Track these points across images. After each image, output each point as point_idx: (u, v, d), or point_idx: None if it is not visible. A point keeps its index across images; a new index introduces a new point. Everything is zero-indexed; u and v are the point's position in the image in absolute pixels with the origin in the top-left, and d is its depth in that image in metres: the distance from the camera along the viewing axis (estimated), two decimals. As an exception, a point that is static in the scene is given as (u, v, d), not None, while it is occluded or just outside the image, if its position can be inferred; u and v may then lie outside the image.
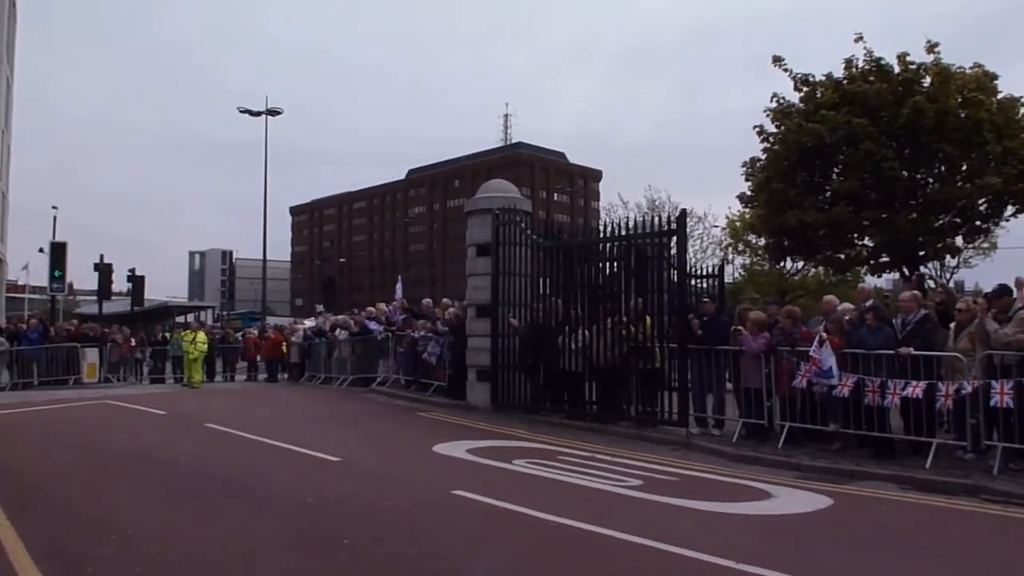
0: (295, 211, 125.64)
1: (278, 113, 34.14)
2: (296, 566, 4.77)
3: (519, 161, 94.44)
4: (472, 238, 13.68)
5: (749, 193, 25.55)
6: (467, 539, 5.39)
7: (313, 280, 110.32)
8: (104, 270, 26.33)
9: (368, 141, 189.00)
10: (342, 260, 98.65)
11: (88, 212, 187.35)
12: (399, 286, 20.42)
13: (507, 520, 5.87)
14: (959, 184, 21.80)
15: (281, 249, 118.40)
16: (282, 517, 5.95)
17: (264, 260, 36.32)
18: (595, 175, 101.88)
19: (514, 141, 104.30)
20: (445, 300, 16.89)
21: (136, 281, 28.40)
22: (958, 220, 22.87)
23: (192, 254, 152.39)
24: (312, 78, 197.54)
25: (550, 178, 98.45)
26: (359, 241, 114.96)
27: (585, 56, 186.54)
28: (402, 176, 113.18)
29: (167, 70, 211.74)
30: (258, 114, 33.69)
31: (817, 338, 9.06)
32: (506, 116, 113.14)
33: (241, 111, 33.66)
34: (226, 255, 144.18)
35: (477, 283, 13.44)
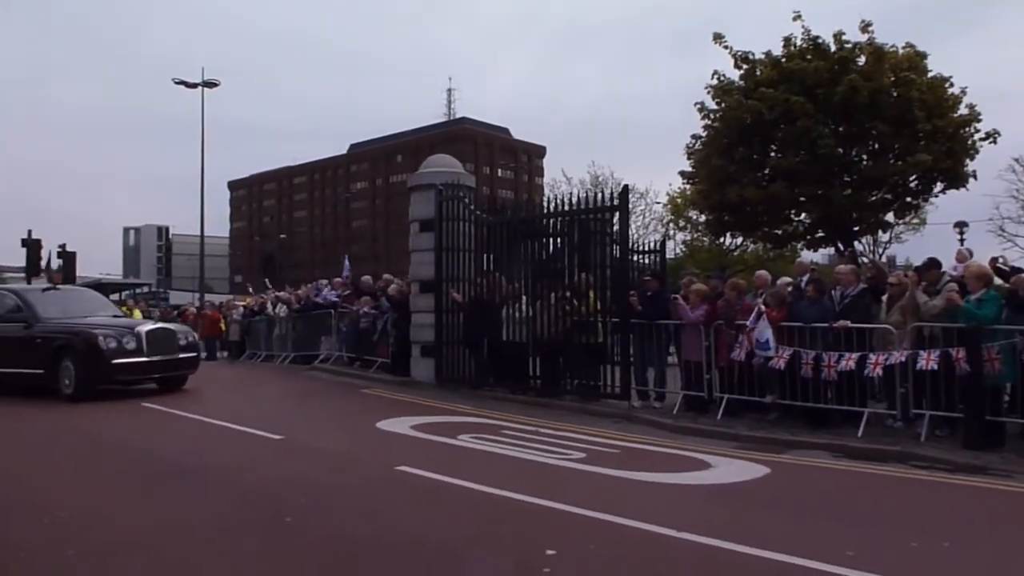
0: (233, 186, 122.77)
1: (215, 85, 33.24)
2: (236, 547, 4.69)
3: (463, 136, 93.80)
4: (415, 214, 13.57)
5: (690, 169, 25.89)
6: (413, 515, 5.38)
7: (253, 257, 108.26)
8: (32, 246, 25.28)
9: (309, 115, 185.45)
10: (282, 236, 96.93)
11: (12, 186, 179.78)
12: (347, 264, 20.15)
13: (452, 495, 5.88)
14: (891, 161, 22.44)
15: (219, 225, 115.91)
16: (221, 497, 5.86)
17: (202, 236, 35.51)
18: (539, 151, 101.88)
19: (458, 116, 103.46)
20: (386, 276, 16.75)
21: (67, 257, 27.37)
22: (890, 196, 23.56)
23: (126, 230, 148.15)
24: (250, 50, 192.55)
25: (494, 154, 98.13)
26: (300, 217, 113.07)
27: (526, 31, 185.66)
28: (344, 151, 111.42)
29: (95, 37, 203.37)
30: (194, 86, 32.76)
31: (755, 311, 9.25)
32: (449, 91, 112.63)
33: (176, 82, 32.65)
34: (162, 231, 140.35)
35: (420, 259, 13.36)
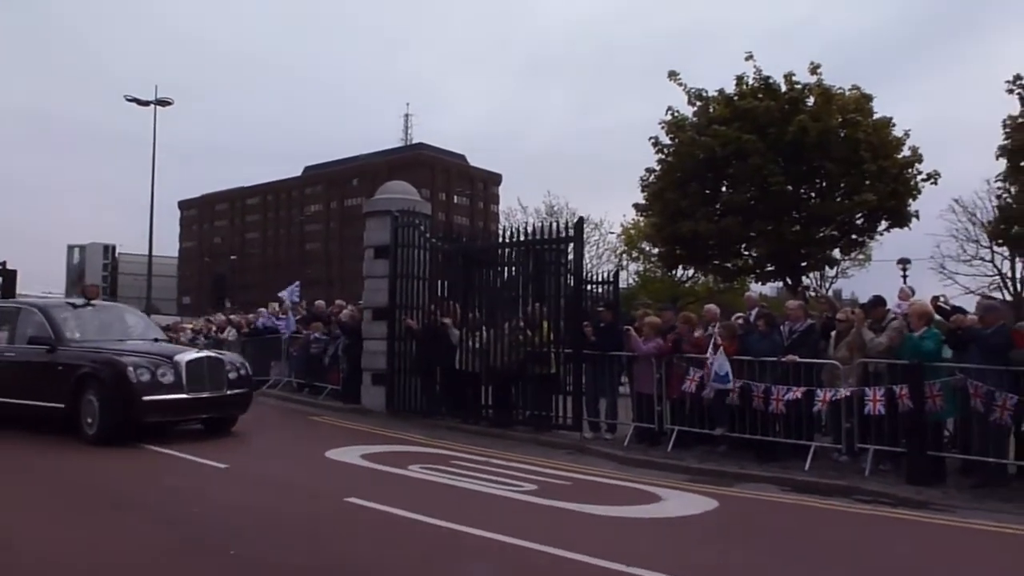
0: (184, 205, 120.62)
1: (168, 104, 32.67)
2: (185, 573, 4.55)
3: (420, 162, 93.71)
4: (370, 240, 13.49)
5: (644, 202, 26.29)
6: (362, 549, 5.29)
7: (202, 278, 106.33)
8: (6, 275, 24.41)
9: (263, 136, 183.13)
10: (233, 258, 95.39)
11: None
12: (295, 290, 19.50)
13: (402, 528, 5.80)
14: (839, 200, 23.08)
15: (168, 245, 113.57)
16: (166, 526, 5.69)
17: (150, 255, 34.75)
18: (495, 179, 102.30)
19: (415, 142, 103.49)
20: (339, 301, 16.58)
21: (7, 275, 26.52)
22: (837, 233, 24.23)
23: (71, 247, 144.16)
24: (206, 70, 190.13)
25: (451, 180, 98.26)
26: (252, 238, 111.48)
27: (487, 61, 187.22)
28: (298, 173, 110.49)
29: (41, 46, 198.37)
30: (147, 103, 32.17)
31: (712, 343, 9.36)
32: (407, 116, 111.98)
33: (128, 99, 32.07)
34: (108, 249, 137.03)
35: (374, 285, 13.26)
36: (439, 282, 12.90)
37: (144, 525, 5.78)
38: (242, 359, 11.15)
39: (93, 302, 11.36)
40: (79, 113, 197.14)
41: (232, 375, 10.12)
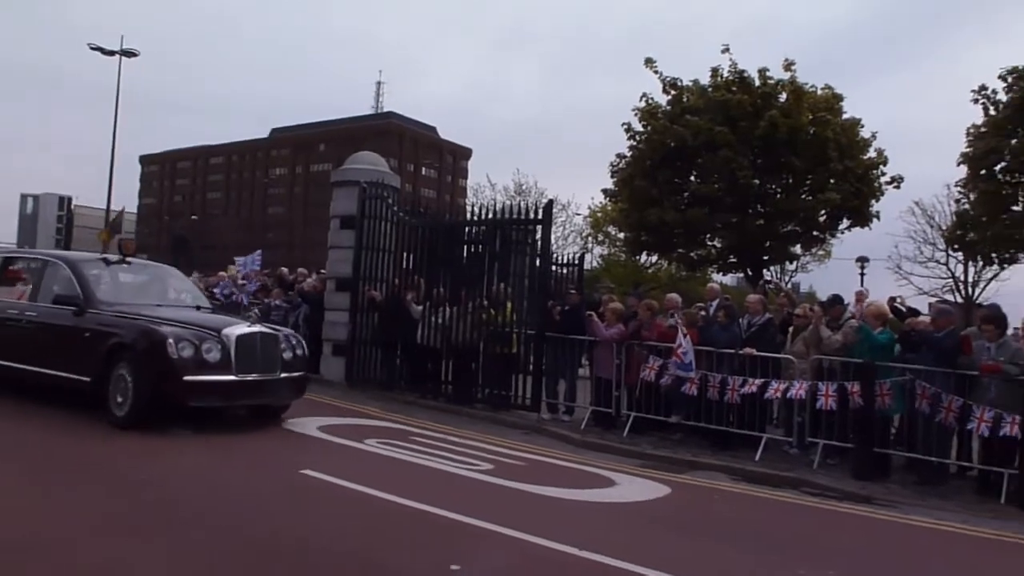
0: (145, 161, 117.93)
1: (134, 55, 31.89)
2: (129, 550, 4.49)
3: (389, 130, 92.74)
4: (336, 209, 13.36)
5: (613, 188, 26.41)
6: (315, 521, 5.28)
7: (162, 236, 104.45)
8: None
9: (230, 95, 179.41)
10: (194, 217, 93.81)
11: None
12: (257, 258, 19.15)
13: (357, 502, 5.81)
14: (804, 196, 23.49)
15: (128, 200, 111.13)
16: (114, 495, 5.60)
17: (107, 210, 34.00)
18: (464, 152, 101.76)
19: (385, 110, 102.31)
20: (301, 270, 16.43)
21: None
22: (799, 229, 24.63)
23: (24, 197, 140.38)
24: (174, 22, 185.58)
25: (419, 151, 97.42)
26: (214, 198, 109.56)
27: (462, 32, 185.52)
28: (265, 134, 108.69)
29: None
30: (111, 53, 31.37)
31: (680, 331, 9.47)
32: (379, 84, 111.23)
33: (93, 48, 31.22)
34: (63, 201, 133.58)
35: (339, 256, 13.15)
36: (405, 256, 12.84)
37: (91, 492, 5.67)
38: (298, 336, 9.42)
39: (129, 259, 9.70)
40: (32, 58, 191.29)
41: (287, 354, 8.63)
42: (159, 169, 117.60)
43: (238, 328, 8.33)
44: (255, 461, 7.10)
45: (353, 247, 12.82)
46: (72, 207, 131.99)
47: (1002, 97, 21.71)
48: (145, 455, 6.86)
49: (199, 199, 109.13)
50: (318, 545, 4.75)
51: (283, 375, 8.53)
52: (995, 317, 8.32)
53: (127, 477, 6.11)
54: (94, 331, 8.10)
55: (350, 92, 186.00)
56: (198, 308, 9.31)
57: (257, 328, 8.59)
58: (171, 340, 7.69)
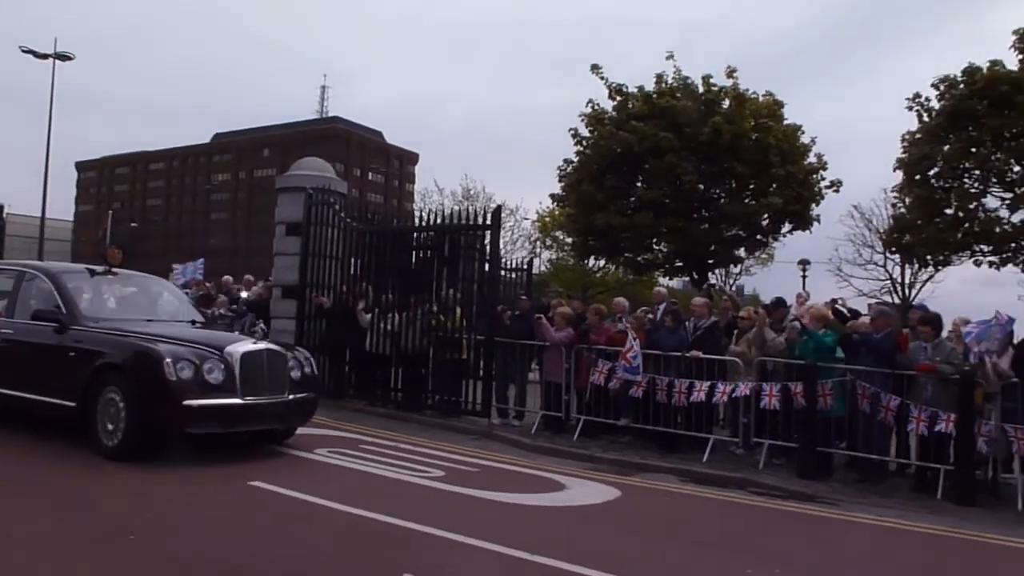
0: (82, 167, 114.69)
1: (69, 58, 31.00)
2: (72, 564, 4.37)
3: (335, 135, 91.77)
4: (282, 216, 13.17)
5: (561, 193, 26.58)
6: (265, 534, 5.20)
7: (100, 244, 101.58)
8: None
9: (170, 100, 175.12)
10: (134, 224, 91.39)
11: None
12: (199, 266, 18.66)
13: (306, 513, 5.72)
14: (747, 201, 23.93)
15: (64, 208, 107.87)
16: (56, 510, 5.43)
17: (43, 218, 33.06)
18: (411, 157, 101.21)
19: (330, 115, 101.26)
20: (247, 277, 16.15)
21: None
22: (743, 233, 25.07)
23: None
24: (111, 24, 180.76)
25: (366, 156, 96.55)
26: (155, 205, 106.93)
27: (408, 36, 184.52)
28: (207, 139, 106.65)
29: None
30: (44, 56, 30.47)
31: (631, 335, 9.56)
32: (323, 88, 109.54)
33: (24, 51, 30.27)
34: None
35: (285, 263, 12.96)
36: (352, 262, 12.72)
37: (31, 507, 5.49)
38: (306, 352, 8.59)
39: (115, 270, 8.88)
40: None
41: (295, 373, 7.84)
42: (96, 175, 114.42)
43: (242, 345, 7.50)
44: (201, 472, 6.92)
45: (299, 254, 12.65)
46: (4, 215, 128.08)
47: (935, 105, 22.43)
48: (84, 471, 6.65)
49: (139, 206, 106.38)
50: (267, 557, 4.67)
51: (291, 397, 7.69)
52: (931, 319, 8.60)
53: (68, 490, 5.92)
54: (79, 350, 7.29)
55: (294, 97, 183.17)
56: (192, 323, 8.50)
57: (263, 345, 7.83)
58: (168, 360, 6.85)
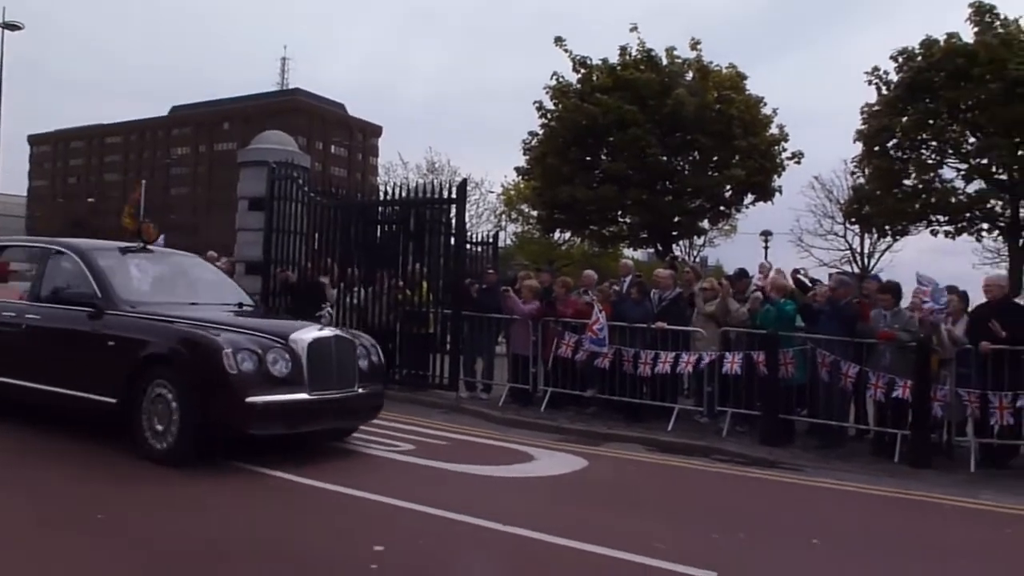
0: (35, 140, 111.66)
1: (18, 28, 30.07)
2: (45, 546, 4.33)
3: (296, 108, 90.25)
4: (244, 190, 12.98)
5: (526, 166, 26.54)
6: (237, 508, 5.21)
7: (55, 220, 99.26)
8: None
9: (125, 72, 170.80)
10: (91, 200, 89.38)
11: None
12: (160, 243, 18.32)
13: (277, 488, 5.74)
14: (710, 173, 24.13)
15: (16, 183, 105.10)
16: (28, 498, 5.32)
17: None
18: (375, 130, 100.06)
19: (291, 87, 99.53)
20: (211, 253, 15.93)
21: None
22: (707, 205, 25.33)
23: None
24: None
25: (328, 129, 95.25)
26: (112, 180, 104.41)
27: (368, 7, 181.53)
28: (164, 113, 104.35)
29: None
30: (-9, 26, 29.48)
31: (596, 308, 9.63)
32: (283, 60, 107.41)
33: (-30, 20, 29.25)
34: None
35: (248, 238, 12.81)
36: (317, 237, 12.62)
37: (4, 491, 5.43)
38: (372, 340, 7.66)
39: (150, 247, 7.95)
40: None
41: (363, 363, 7.02)
42: (51, 150, 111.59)
43: (308, 332, 6.61)
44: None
45: (263, 229, 12.50)
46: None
47: (893, 77, 22.72)
48: (60, 457, 6.57)
49: (95, 181, 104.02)
50: (241, 530, 4.69)
51: (361, 390, 6.88)
52: (891, 287, 8.79)
53: (47, 478, 5.85)
54: (119, 338, 6.45)
55: (253, 68, 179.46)
56: (240, 307, 7.63)
57: (329, 332, 6.97)
58: (228, 350, 5.99)
